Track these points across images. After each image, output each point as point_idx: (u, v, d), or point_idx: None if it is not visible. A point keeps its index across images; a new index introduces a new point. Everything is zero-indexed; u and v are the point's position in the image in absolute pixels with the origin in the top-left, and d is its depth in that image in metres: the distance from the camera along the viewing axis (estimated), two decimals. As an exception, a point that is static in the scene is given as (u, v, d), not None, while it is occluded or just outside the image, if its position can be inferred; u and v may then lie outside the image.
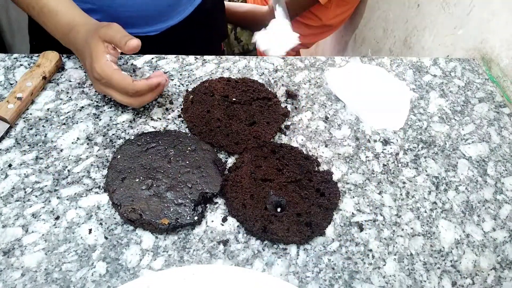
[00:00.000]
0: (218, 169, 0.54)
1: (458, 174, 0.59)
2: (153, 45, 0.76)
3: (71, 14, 0.58)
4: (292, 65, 0.71)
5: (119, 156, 0.54)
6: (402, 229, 0.53)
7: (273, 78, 0.69)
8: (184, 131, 0.59)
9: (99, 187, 0.53)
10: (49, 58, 0.62)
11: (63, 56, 0.67)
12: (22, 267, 0.45)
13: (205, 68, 0.69)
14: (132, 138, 0.57)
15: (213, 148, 0.57)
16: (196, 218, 0.49)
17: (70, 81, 0.64)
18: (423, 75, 0.73)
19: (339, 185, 0.56)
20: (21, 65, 0.65)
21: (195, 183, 0.52)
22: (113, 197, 0.50)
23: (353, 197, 0.55)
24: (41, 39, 0.74)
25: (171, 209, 0.50)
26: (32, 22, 0.79)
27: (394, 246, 0.51)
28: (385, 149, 0.61)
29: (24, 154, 0.55)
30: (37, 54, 0.65)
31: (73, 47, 0.59)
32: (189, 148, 0.55)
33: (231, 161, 0.57)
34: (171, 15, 0.77)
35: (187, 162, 0.54)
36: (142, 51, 0.72)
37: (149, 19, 0.74)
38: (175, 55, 0.70)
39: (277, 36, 0.62)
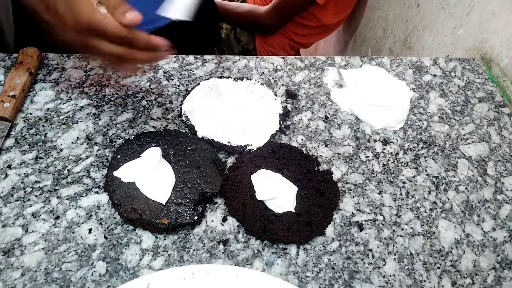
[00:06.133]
0: (218, 168, 0.54)
1: (458, 174, 0.59)
2: None
3: None
4: (292, 65, 0.71)
5: (119, 156, 0.54)
6: (402, 229, 0.53)
7: (273, 78, 0.69)
8: (184, 131, 0.59)
9: (99, 186, 0.53)
10: (30, 54, 0.63)
11: (62, 56, 0.67)
12: (22, 266, 0.45)
13: (205, 68, 0.69)
14: (132, 137, 0.57)
15: (213, 148, 0.57)
16: (196, 217, 0.49)
17: (70, 81, 0.64)
18: (423, 75, 0.73)
19: (339, 184, 0.56)
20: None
21: (195, 183, 0.52)
22: (113, 197, 0.50)
23: (353, 197, 0.55)
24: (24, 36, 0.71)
25: (171, 209, 0.49)
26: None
27: (394, 246, 0.51)
28: (385, 149, 0.61)
29: (24, 154, 0.55)
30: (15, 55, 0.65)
31: None
32: (189, 148, 0.55)
33: (231, 161, 0.57)
34: (156, 17, 0.76)
35: (187, 162, 0.54)
36: None
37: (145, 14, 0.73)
38: (175, 55, 0.70)
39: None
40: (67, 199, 0.51)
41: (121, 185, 0.51)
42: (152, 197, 0.50)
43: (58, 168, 0.54)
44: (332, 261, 0.49)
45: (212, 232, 0.50)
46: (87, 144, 0.57)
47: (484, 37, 0.79)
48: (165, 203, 0.50)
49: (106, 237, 0.48)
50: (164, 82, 0.66)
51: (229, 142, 0.57)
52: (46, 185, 0.52)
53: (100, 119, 0.60)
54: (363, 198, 0.55)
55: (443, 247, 0.52)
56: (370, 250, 0.50)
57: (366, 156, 0.60)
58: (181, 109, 0.61)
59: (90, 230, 0.49)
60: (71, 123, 0.59)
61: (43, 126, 0.58)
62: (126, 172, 0.52)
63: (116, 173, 0.52)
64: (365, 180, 0.57)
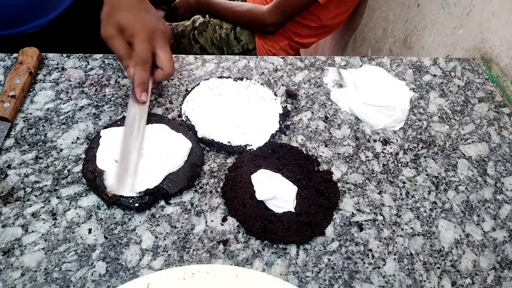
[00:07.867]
0: (191, 173, 0.53)
1: (458, 174, 0.59)
2: (38, 42, 0.69)
3: None
4: (292, 65, 0.71)
5: (119, 122, 0.57)
6: (402, 229, 0.53)
7: (273, 78, 0.69)
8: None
9: (99, 186, 0.53)
10: (30, 54, 0.63)
11: (62, 56, 0.67)
12: (22, 266, 0.45)
13: (205, 68, 0.69)
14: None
15: (202, 154, 0.56)
16: (136, 205, 0.50)
17: (70, 81, 0.64)
18: (423, 75, 0.73)
19: (339, 185, 0.56)
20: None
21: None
22: (87, 152, 0.53)
23: (353, 197, 0.55)
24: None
25: None
26: None
27: (394, 246, 0.51)
28: (385, 149, 0.61)
29: (24, 154, 0.55)
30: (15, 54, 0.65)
31: None
32: None
33: (231, 161, 0.57)
34: (46, 8, 0.73)
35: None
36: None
37: (24, 14, 0.70)
38: (174, 55, 0.69)
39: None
40: (67, 199, 0.51)
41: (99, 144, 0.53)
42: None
43: (58, 168, 0.54)
44: (332, 261, 0.49)
45: (212, 232, 0.50)
46: (87, 144, 0.57)
47: (484, 37, 0.79)
48: None
49: (106, 237, 0.48)
50: (164, 82, 0.66)
51: (229, 142, 0.57)
52: (46, 185, 0.52)
53: (100, 119, 0.60)
54: (363, 198, 0.55)
55: (443, 247, 0.52)
56: (370, 250, 0.50)
57: (366, 156, 0.60)
58: (181, 109, 0.61)
59: (90, 230, 0.49)
60: (71, 123, 0.59)
61: (43, 126, 0.58)
62: (109, 135, 0.54)
63: (102, 132, 0.54)
64: (365, 180, 0.57)
